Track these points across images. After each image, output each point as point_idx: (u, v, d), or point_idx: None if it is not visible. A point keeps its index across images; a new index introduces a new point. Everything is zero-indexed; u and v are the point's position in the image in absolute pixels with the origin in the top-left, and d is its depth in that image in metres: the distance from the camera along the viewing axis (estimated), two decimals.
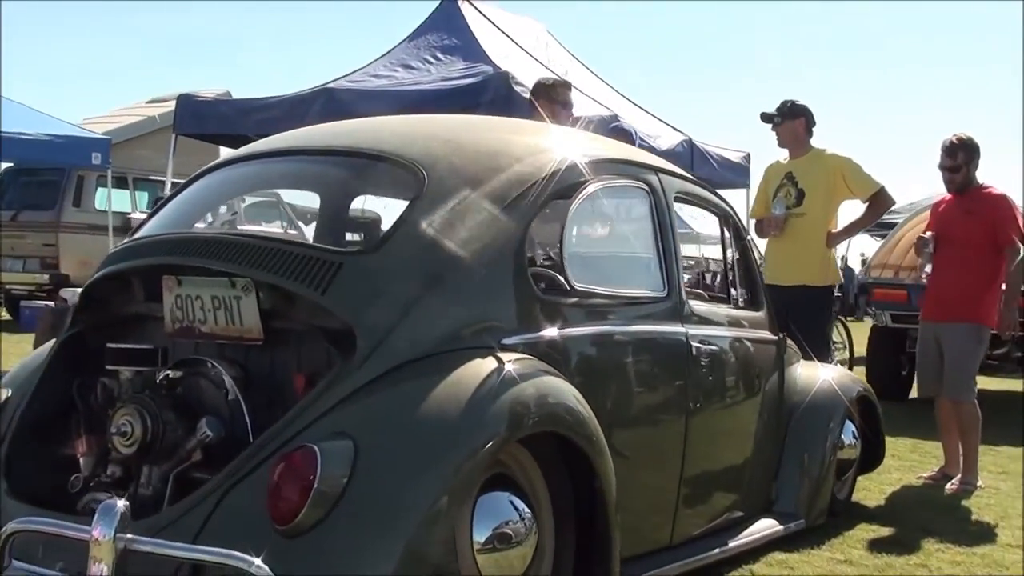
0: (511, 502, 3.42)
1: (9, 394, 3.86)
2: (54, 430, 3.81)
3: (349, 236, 4.69)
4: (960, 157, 6.57)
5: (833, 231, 7.17)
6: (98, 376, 3.72)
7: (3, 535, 2.93)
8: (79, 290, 4.02)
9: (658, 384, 4.37)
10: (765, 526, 5.15)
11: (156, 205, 4.34)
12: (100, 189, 16.15)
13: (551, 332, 3.79)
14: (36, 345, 8.87)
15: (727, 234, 5.25)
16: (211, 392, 3.56)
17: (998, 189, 6.67)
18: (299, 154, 4.22)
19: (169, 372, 3.59)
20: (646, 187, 4.48)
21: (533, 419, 3.41)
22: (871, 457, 6.28)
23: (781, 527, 5.20)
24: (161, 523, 3.10)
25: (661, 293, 4.42)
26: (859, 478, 6.16)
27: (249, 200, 4.59)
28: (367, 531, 2.98)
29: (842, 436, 5.77)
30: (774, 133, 7.29)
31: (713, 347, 4.67)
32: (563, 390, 3.58)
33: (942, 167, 6.63)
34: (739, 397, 5.04)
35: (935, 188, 8.68)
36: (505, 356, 3.51)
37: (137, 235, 4.07)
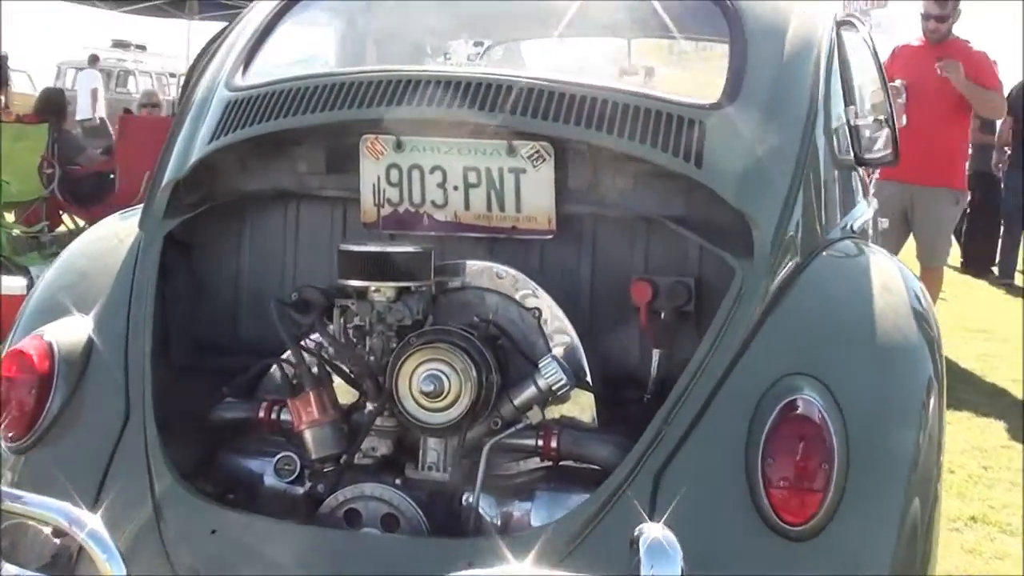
0: None
1: (91, 330, 2.40)
2: (193, 383, 2.45)
3: None
4: (950, 6, 6.10)
5: None
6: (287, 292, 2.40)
7: None
8: None
9: None
10: None
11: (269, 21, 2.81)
12: None
13: (864, 212, 2.92)
14: None
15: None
16: (512, 314, 2.36)
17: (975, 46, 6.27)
18: None
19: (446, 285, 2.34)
20: (860, 26, 3.58)
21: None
22: None
23: None
24: (569, 531, 1.97)
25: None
26: None
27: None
28: (882, 524, 2.04)
29: None
30: None
31: None
32: None
33: (928, 15, 6.13)
34: None
35: None
36: (878, 250, 2.62)
37: (273, 78, 2.62)
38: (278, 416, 2.36)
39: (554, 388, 2.18)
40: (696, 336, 2.46)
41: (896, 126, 3.25)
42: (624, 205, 2.43)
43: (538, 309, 2.34)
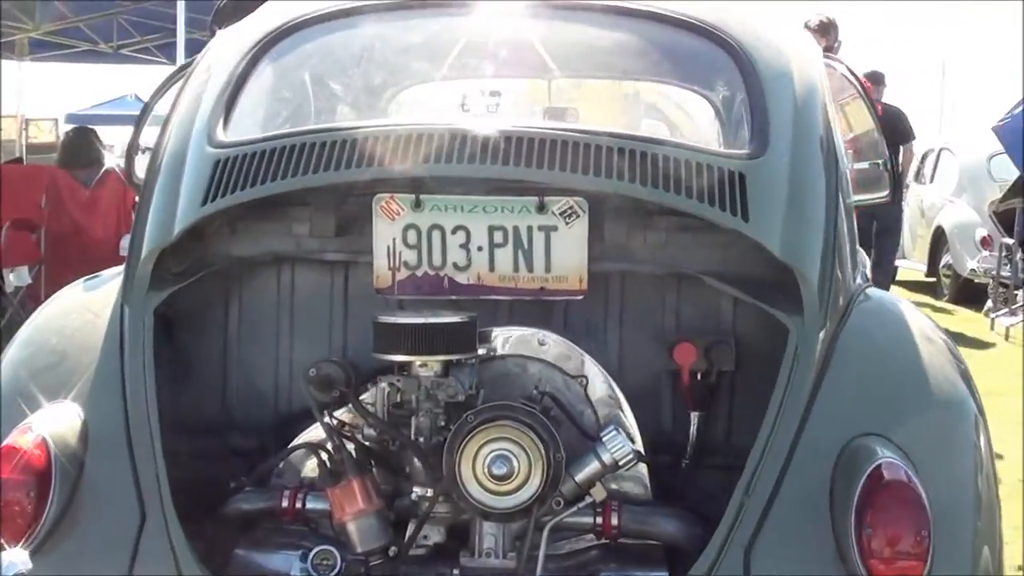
0: None
1: (84, 420, 2.14)
2: (188, 470, 2.20)
3: None
4: (833, 36, 6.19)
5: None
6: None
7: None
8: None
9: None
10: None
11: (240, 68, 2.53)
12: None
13: (864, 256, 2.89)
14: None
15: None
16: (557, 382, 2.21)
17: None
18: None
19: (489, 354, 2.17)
20: (837, 65, 3.56)
21: None
22: None
23: None
24: None
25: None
26: None
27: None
28: None
29: None
30: None
31: None
32: None
33: None
34: None
35: None
36: (893, 295, 2.60)
37: (265, 132, 2.39)
38: (303, 505, 2.15)
39: (620, 462, 2.05)
40: (730, 398, 2.38)
41: (897, 167, 3.25)
42: (656, 261, 2.33)
43: (584, 377, 2.20)
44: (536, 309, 2.37)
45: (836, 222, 2.35)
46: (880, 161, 3.13)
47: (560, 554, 2.13)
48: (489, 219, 2.25)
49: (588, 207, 2.23)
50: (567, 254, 2.26)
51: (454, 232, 2.26)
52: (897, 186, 3.21)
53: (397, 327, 2.05)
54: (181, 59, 8.99)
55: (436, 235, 2.27)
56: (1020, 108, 8.30)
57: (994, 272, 9.41)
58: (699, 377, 2.33)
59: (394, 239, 2.28)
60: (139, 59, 13.63)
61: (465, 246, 2.27)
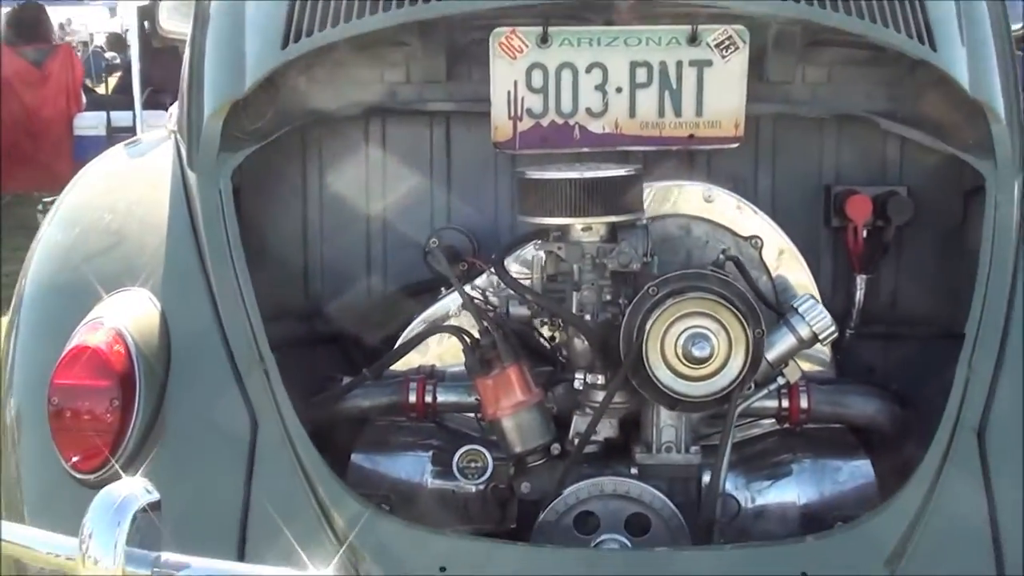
0: None
1: (162, 310, 1.76)
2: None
3: None
4: None
5: None
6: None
7: None
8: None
9: None
10: None
11: None
12: None
13: None
14: None
15: None
16: (728, 245, 1.89)
17: None
18: None
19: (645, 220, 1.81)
20: None
21: None
22: None
23: None
24: None
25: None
26: None
27: None
28: None
29: None
30: None
31: None
32: None
33: None
34: None
35: None
36: None
37: None
38: (434, 398, 1.83)
39: (821, 336, 1.73)
40: (897, 258, 2.09)
41: None
42: (818, 101, 2.02)
43: (758, 237, 1.88)
44: (674, 160, 2.03)
45: (1010, 51, 2.02)
46: None
47: (737, 442, 1.84)
48: (630, 54, 1.90)
49: (749, 37, 1.89)
50: (722, 94, 1.91)
51: (588, 71, 1.90)
52: None
53: (554, 184, 1.69)
54: None
55: (566, 75, 1.91)
56: None
57: None
58: (866, 234, 2.02)
59: (515, 82, 1.91)
60: None
61: (601, 87, 1.91)
